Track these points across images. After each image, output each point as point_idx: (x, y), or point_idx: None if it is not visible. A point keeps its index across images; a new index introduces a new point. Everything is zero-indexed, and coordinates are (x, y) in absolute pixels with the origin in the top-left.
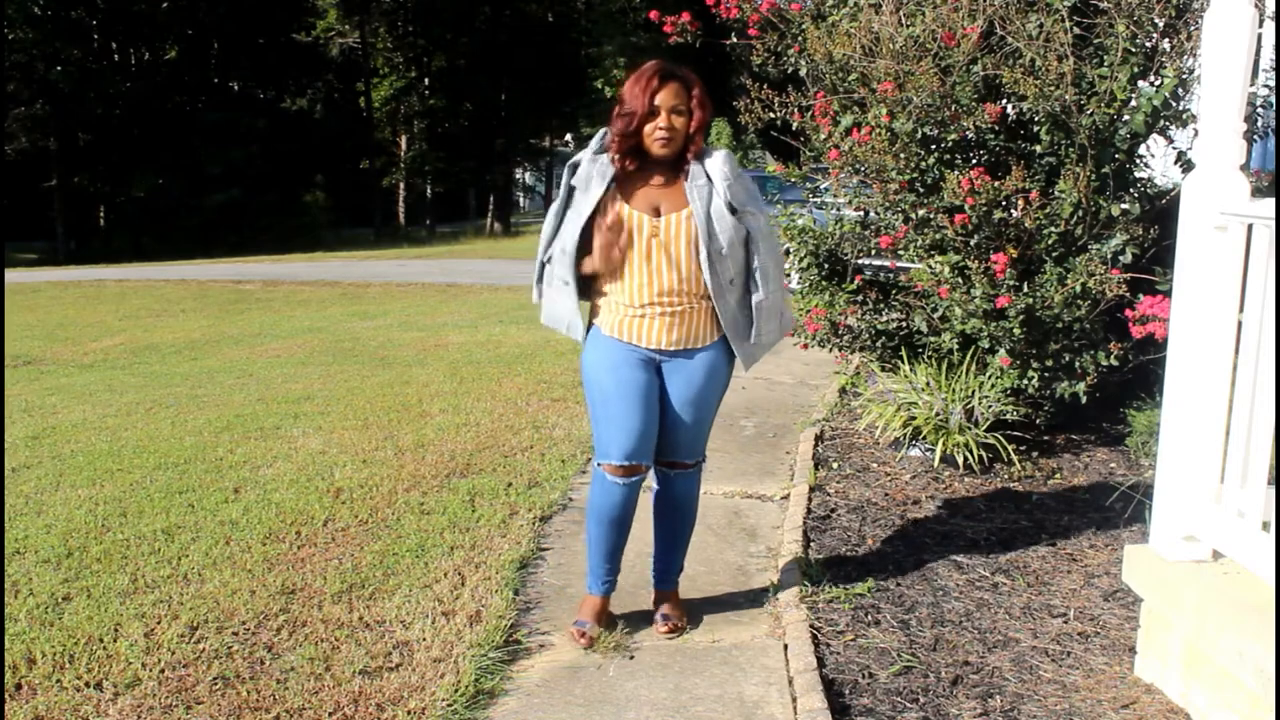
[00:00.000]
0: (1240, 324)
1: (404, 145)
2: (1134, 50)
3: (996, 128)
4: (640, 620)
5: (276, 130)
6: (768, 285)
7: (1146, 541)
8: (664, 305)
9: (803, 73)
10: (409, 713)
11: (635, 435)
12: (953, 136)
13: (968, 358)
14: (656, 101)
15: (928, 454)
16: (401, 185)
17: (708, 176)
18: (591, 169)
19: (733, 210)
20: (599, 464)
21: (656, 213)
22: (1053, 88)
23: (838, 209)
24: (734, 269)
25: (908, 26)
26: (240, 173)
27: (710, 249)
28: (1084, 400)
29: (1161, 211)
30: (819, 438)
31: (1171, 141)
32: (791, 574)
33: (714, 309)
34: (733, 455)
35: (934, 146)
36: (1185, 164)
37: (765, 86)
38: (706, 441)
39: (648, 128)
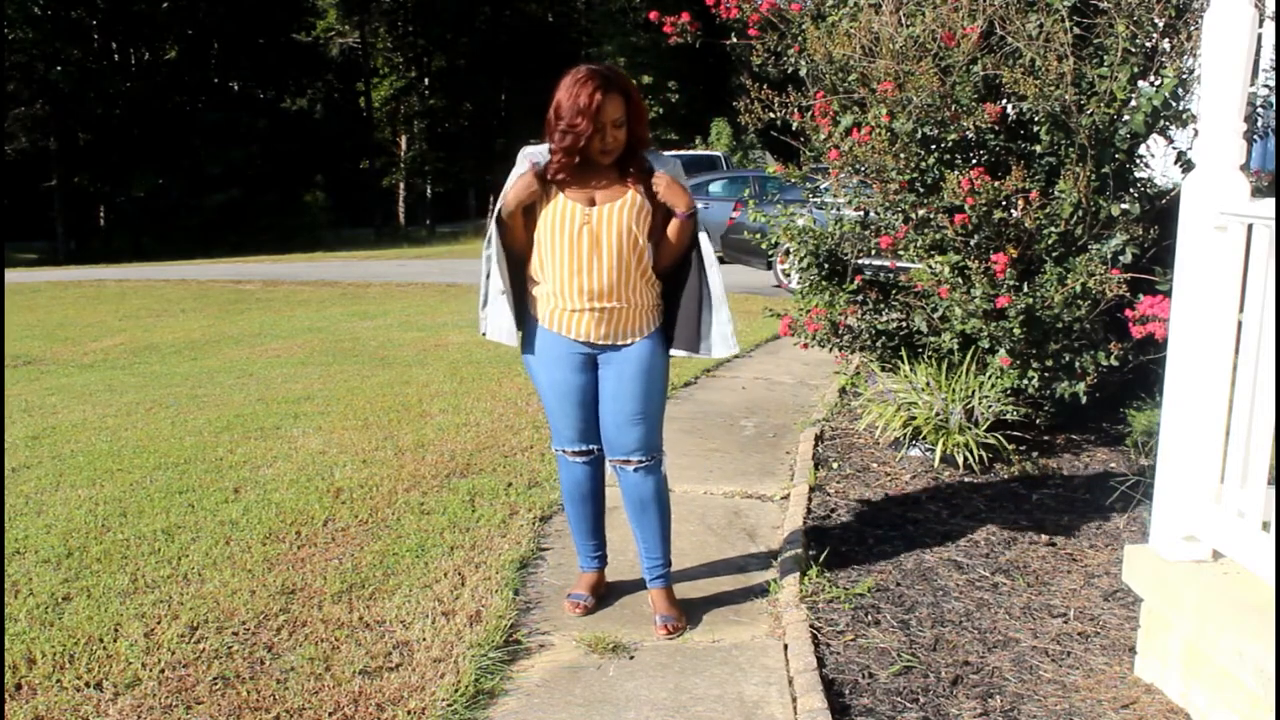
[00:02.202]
0: (1240, 324)
1: (404, 145)
2: (1134, 50)
3: (996, 128)
4: (640, 620)
5: (276, 130)
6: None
7: (1146, 541)
8: (592, 296)
9: (803, 73)
10: (409, 713)
11: (575, 430)
12: (953, 136)
13: (968, 358)
14: (600, 119)
15: (928, 454)
16: (401, 185)
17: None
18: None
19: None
20: (554, 448)
21: (591, 203)
22: (1053, 88)
23: (838, 209)
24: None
25: (908, 26)
26: (240, 173)
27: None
28: (1084, 400)
29: (1161, 211)
30: (819, 438)
31: (1171, 141)
32: (791, 574)
33: (645, 304)
34: (733, 455)
35: (934, 146)
36: (1185, 164)
37: (765, 86)
38: (658, 437)
39: (594, 144)
